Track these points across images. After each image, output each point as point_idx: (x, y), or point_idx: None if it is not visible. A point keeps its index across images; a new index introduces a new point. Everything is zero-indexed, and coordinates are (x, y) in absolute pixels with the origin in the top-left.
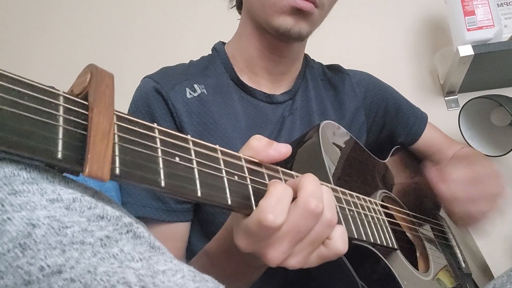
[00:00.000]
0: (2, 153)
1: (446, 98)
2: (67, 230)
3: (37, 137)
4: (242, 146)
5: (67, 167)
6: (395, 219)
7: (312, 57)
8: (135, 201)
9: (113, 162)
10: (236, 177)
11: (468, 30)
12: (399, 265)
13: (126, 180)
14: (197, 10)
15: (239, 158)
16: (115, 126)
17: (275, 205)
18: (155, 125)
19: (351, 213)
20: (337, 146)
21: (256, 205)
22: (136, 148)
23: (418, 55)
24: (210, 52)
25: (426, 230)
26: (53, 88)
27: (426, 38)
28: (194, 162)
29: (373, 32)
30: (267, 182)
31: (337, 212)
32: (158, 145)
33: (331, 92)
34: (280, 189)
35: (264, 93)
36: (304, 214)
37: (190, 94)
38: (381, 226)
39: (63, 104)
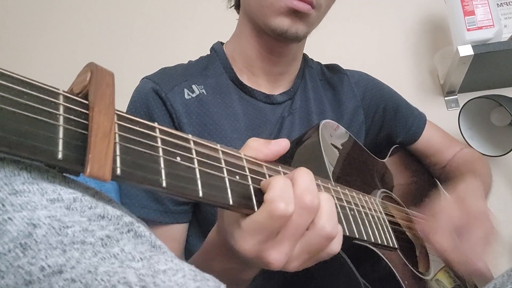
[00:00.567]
0: (1, 153)
1: (446, 98)
2: (68, 230)
3: (37, 137)
4: (241, 147)
5: (68, 167)
6: (395, 219)
7: (312, 57)
8: (133, 202)
9: (114, 162)
10: (237, 176)
11: (468, 30)
12: (399, 264)
13: (127, 180)
14: (196, 10)
15: (240, 158)
16: (116, 125)
17: (283, 193)
18: (156, 124)
19: (352, 212)
20: (337, 145)
21: (258, 205)
22: (137, 148)
23: (418, 55)
24: (209, 53)
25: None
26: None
27: (426, 38)
28: (196, 161)
29: (373, 32)
30: None
31: (338, 212)
32: (159, 144)
33: (329, 92)
34: (282, 180)
35: (263, 93)
36: (299, 210)
37: (189, 94)
38: (381, 225)
39: (63, 103)
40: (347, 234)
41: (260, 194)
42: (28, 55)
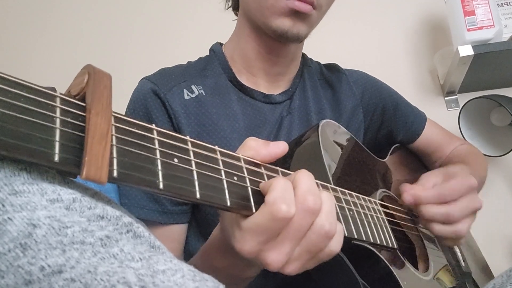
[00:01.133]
0: None
1: (446, 98)
2: (68, 230)
3: (33, 140)
4: (239, 148)
5: (64, 170)
6: (395, 219)
7: (312, 57)
8: (132, 202)
9: (111, 164)
10: (235, 178)
11: (468, 30)
12: (398, 264)
13: (124, 182)
14: (196, 11)
15: (238, 159)
16: (113, 127)
17: (284, 195)
18: (153, 126)
19: (351, 213)
20: (336, 145)
21: (256, 206)
22: (134, 150)
23: (418, 55)
24: (208, 53)
25: (426, 229)
26: (54, 89)
27: (426, 38)
28: (193, 163)
29: (373, 32)
30: None
31: (337, 213)
32: (157, 146)
33: (328, 91)
34: (282, 181)
35: (262, 93)
36: (302, 211)
37: (188, 95)
38: (381, 226)
39: (60, 105)
40: (346, 234)
41: (258, 195)
42: (28, 55)
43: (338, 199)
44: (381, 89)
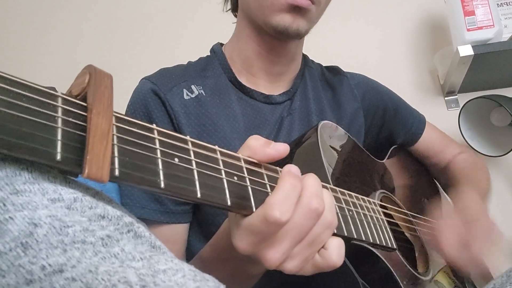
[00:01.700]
0: (1, 155)
1: (446, 98)
2: (69, 230)
3: (35, 139)
4: (240, 147)
5: (66, 169)
6: (394, 219)
7: (313, 57)
8: (134, 202)
9: (112, 163)
10: (235, 177)
11: (468, 30)
12: (398, 265)
13: (125, 181)
14: (197, 11)
15: (238, 159)
16: (114, 127)
17: (283, 201)
18: (154, 126)
19: (350, 213)
20: (336, 146)
21: (256, 206)
22: (135, 150)
23: (418, 55)
24: (209, 53)
25: (425, 229)
26: (54, 89)
27: (426, 38)
28: (193, 163)
29: (373, 32)
30: (266, 182)
31: (337, 213)
32: (157, 146)
33: (329, 93)
34: (289, 185)
35: (262, 93)
36: (307, 213)
37: (188, 95)
38: (380, 226)
39: (62, 105)
40: (346, 234)
41: (259, 195)
42: (28, 55)
43: (337, 199)
44: (382, 92)
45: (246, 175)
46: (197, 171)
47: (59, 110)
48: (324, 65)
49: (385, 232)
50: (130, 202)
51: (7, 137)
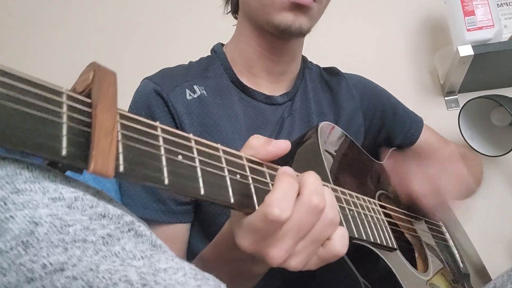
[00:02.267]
0: (6, 150)
1: (446, 98)
2: (69, 228)
3: (41, 134)
4: (242, 147)
5: (71, 164)
6: (394, 219)
7: (312, 56)
8: (135, 202)
9: (117, 159)
10: (238, 175)
11: (468, 30)
12: (399, 264)
13: (129, 178)
14: (198, 11)
15: (240, 157)
16: (119, 124)
17: (281, 199)
18: (157, 123)
19: (351, 212)
20: (335, 146)
21: (259, 204)
22: (139, 146)
23: (418, 55)
24: (210, 54)
25: (424, 230)
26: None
27: (426, 38)
28: (197, 160)
29: (373, 32)
30: (268, 181)
31: (338, 212)
32: (161, 143)
33: (328, 94)
34: (286, 183)
35: (264, 94)
36: (308, 210)
37: (190, 95)
38: (380, 226)
39: (67, 101)
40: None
41: (261, 193)
42: (29, 55)
43: (338, 199)
44: (380, 93)
45: (248, 173)
46: (201, 168)
47: (64, 106)
48: (322, 64)
49: (386, 232)
50: (131, 202)
51: (12, 132)
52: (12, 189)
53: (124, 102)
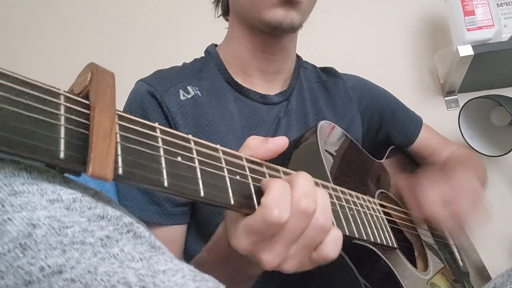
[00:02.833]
0: (2, 153)
1: (446, 98)
2: (68, 230)
3: (38, 137)
4: (238, 147)
5: (69, 167)
6: (393, 218)
7: (312, 56)
8: (132, 204)
9: (116, 161)
10: (238, 176)
11: (468, 30)
12: (399, 264)
13: (128, 180)
14: (196, 12)
15: (240, 157)
16: (117, 125)
17: (279, 200)
18: (156, 124)
19: (351, 212)
20: (335, 146)
21: (258, 204)
22: (138, 148)
23: (418, 55)
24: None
25: (424, 229)
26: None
27: (426, 38)
28: (196, 161)
29: (372, 32)
30: None
31: (338, 211)
32: (160, 144)
33: (326, 95)
34: (280, 184)
35: (259, 93)
36: (296, 214)
37: (184, 96)
38: (380, 225)
39: (64, 103)
40: (347, 233)
41: (262, 193)
42: (28, 55)
43: (338, 198)
44: (378, 94)
45: (248, 173)
46: (200, 169)
47: (62, 107)
48: (322, 64)
49: (386, 231)
50: (128, 204)
51: (9, 135)
52: (10, 191)
53: (122, 103)
